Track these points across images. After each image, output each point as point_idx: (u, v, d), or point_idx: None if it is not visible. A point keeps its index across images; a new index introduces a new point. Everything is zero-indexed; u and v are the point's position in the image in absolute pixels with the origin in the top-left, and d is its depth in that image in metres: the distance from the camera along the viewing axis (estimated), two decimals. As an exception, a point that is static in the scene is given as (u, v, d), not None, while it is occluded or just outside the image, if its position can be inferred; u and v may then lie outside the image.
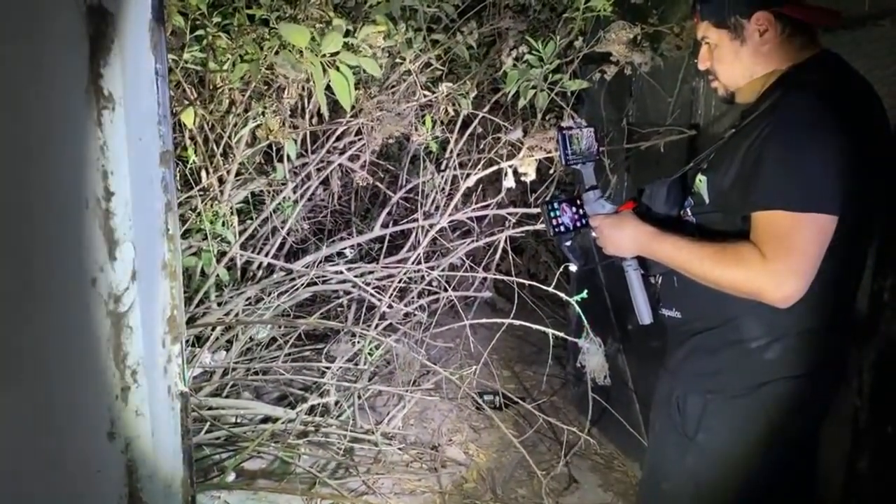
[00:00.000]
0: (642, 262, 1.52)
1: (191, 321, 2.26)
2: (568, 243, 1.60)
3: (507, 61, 2.33)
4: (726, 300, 1.31)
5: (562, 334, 2.43)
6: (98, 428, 1.18)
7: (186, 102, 2.10)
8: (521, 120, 2.48)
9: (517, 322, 2.37)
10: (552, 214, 1.56)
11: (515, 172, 2.21)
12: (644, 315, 1.53)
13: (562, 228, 1.56)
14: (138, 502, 1.32)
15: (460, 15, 2.48)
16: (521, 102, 2.36)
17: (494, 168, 2.37)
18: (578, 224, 1.57)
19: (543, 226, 1.62)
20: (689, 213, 1.45)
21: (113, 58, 1.14)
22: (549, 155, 2.49)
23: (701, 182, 1.42)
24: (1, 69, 0.89)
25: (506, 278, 2.63)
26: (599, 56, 2.34)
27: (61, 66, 1.04)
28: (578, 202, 1.58)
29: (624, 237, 1.47)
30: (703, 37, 1.43)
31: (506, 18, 2.37)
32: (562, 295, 2.38)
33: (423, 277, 2.65)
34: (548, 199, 1.62)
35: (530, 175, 2.20)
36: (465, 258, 2.89)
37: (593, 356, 2.12)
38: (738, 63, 1.38)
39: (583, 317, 2.21)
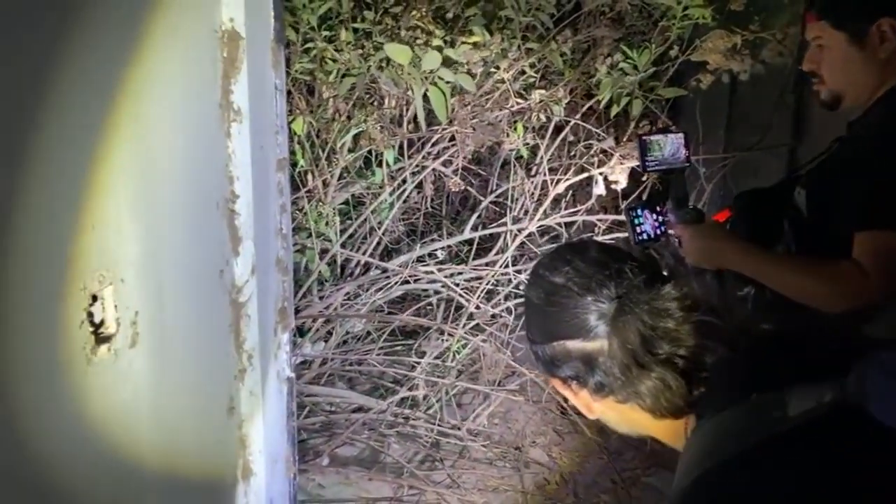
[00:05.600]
0: (736, 274, 1.46)
1: (294, 313, 2.44)
2: (649, 251, 1.53)
3: (602, 69, 2.35)
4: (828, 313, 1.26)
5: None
6: (220, 404, 1.32)
7: (296, 111, 2.27)
8: (615, 127, 2.49)
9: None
10: (636, 222, 1.53)
11: (606, 179, 2.23)
12: None
13: (644, 236, 1.52)
14: (250, 473, 1.46)
15: (556, 23, 2.52)
16: (615, 110, 2.37)
17: (585, 175, 2.39)
18: (658, 231, 1.53)
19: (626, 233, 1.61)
20: (787, 227, 1.40)
21: (241, 76, 1.28)
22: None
23: (800, 195, 1.37)
24: (155, 88, 1.03)
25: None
26: (697, 64, 2.32)
27: (201, 84, 1.19)
28: (658, 208, 1.54)
29: (710, 249, 1.43)
30: (816, 37, 1.36)
31: (601, 26, 2.39)
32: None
33: (510, 280, 2.71)
34: (631, 204, 1.57)
35: (621, 183, 2.22)
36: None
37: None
38: (851, 68, 1.32)
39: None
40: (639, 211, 1.53)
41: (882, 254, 1.17)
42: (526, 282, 0.90)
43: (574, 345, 0.80)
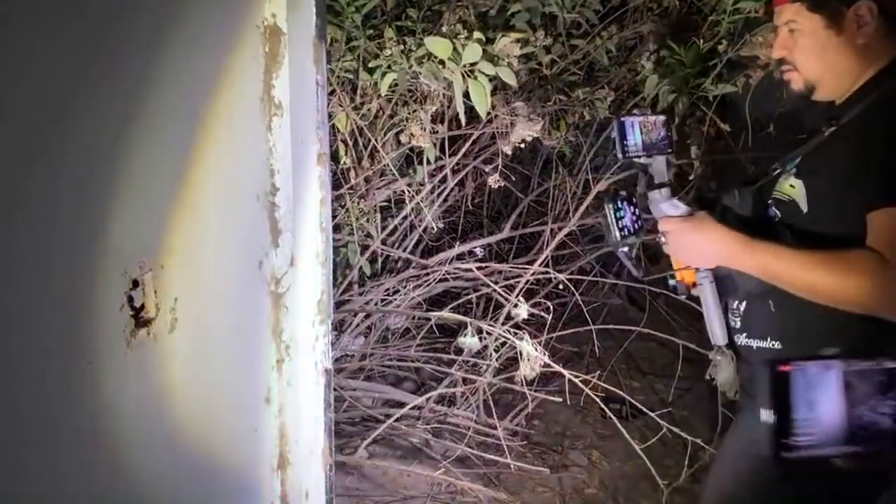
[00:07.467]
0: (720, 285, 1.31)
1: (335, 307, 2.48)
2: (625, 249, 1.37)
3: (647, 65, 2.31)
4: (849, 325, 1.14)
5: (693, 346, 2.36)
6: (257, 393, 1.35)
7: (339, 109, 2.30)
8: (660, 125, 2.44)
9: (644, 330, 2.34)
10: (618, 215, 1.34)
11: (649, 176, 2.18)
12: (719, 335, 1.34)
13: (626, 232, 1.34)
14: (286, 463, 1.49)
15: (602, 19, 2.49)
16: (660, 107, 2.33)
17: (629, 172, 2.35)
18: (637, 226, 1.35)
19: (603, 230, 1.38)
20: (781, 224, 1.28)
21: (283, 71, 1.31)
22: (690, 161, 2.43)
23: (794, 188, 1.25)
24: (197, 82, 1.06)
25: (637, 285, 2.60)
26: (748, 59, 2.25)
27: (243, 79, 1.21)
28: (635, 200, 1.36)
29: (705, 244, 1.26)
30: (789, 21, 1.26)
31: (647, 22, 2.34)
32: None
33: (550, 280, 2.69)
34: (613, 196, 1.37)
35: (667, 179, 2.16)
36: (594, 263, 2.87)
37: (723, 369, 2.03)
38: (826, 54, 1.22)
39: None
40: (619, 203, 1.35)
41: (889, 228, 1.05)
42: None
43: None
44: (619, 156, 1.35)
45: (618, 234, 1.35)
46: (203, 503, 1.15)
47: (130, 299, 0.83)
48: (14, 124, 0.70)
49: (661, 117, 1.36)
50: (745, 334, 1.35)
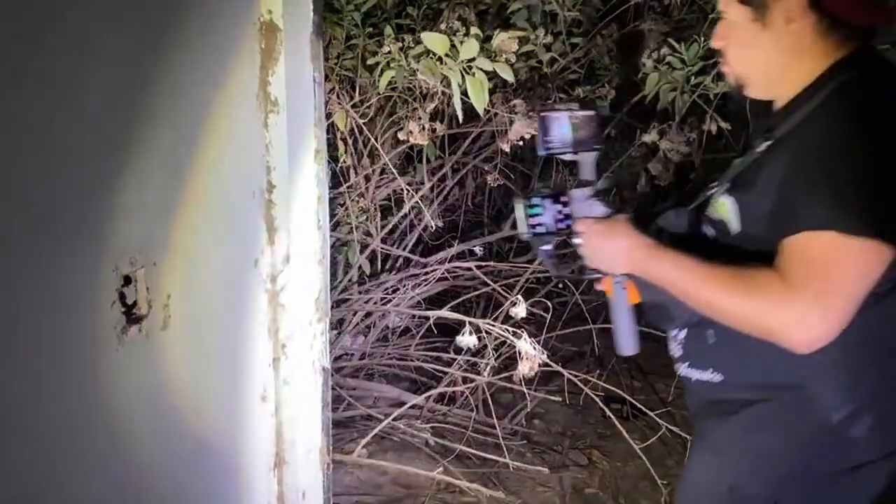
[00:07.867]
0: (657, 313, 1.25)
1: (335, 306, 2.47)
2: (547, 247, 1.32)
3: (648, 63, 2.31)
4: (791, 358, 1.05)
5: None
6: (253, 391, 1.34)
7: (338, 107, 2.29)
8: (660, 122, 2.44)
9: (645, 329, 2.33)
10: (530, 212, 1.30)
11: (649, 174, 2.18)
12: (626, 345, 1.29)
13: (543, 230, 1.29)
14: (283, 462, 1.48)
15: (602, 17, 2.48)
16: (661, 105, 2.32)
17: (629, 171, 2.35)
18: (561, 226, 1.29)
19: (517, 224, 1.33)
20: (716, 246, 1.21)
21: (279, 67, 1.30)
22: (689, 159, 2.42)
23: (724, 205, 1.17)
24: (192, 78, 1.06)
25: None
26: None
27: (238, 75, 1.21)
28: (564, 199, 1.30)
29: (615, 249, 1.21)
30: (723, 10, 1.18)
31: (648, 20, 2.34)
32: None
33: (550, 279, 2.69)
34: (528, 194, 1.33)
35: (664, 179, 2.16)
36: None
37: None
38: (755, 50, 1.13)
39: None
40: (535, 200, 1.30)
41: (802, 258, 0.99)
42: None
43: None
44: (541, 151, 1.30)
45: (527, 231, 1.32)
46: (197, 503, 1.14)
47: (122, 296, 0.83)
48: (11, 122, 0.70)
49: (591, 112, 1.30)
50: (686, 363, 1.28)
